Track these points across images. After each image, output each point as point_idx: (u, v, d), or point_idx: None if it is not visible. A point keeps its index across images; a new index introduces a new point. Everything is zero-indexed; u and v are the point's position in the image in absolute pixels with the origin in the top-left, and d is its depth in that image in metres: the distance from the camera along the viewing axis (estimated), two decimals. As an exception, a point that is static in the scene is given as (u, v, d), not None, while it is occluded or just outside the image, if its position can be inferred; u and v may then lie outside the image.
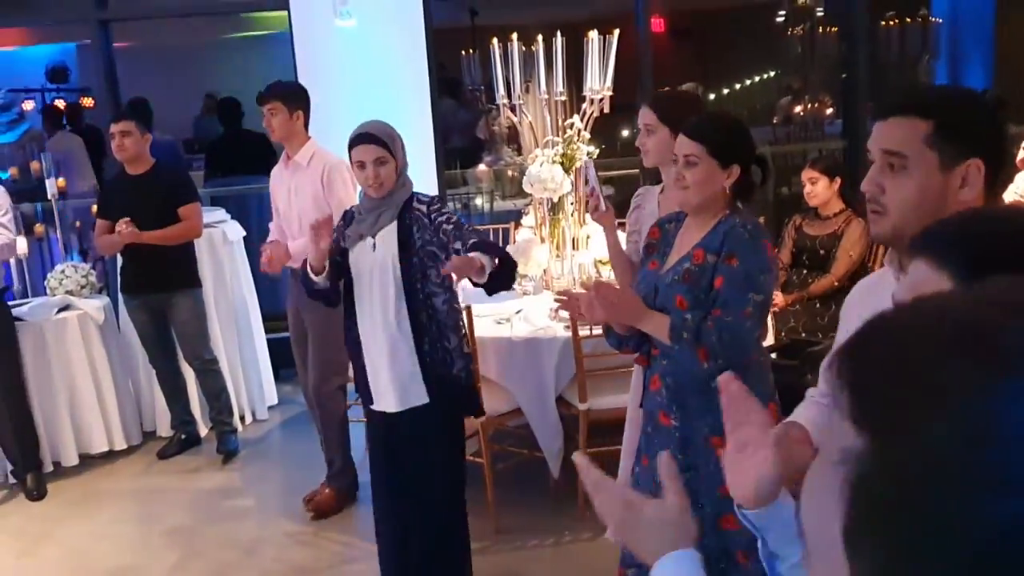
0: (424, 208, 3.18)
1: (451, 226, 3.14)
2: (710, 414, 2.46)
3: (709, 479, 2.46)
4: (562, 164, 4.38)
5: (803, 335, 4.61)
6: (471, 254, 2.96)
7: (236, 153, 7.69)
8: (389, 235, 3.17)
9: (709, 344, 2.38)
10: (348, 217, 3.34)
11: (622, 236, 3.38)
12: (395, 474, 3.35)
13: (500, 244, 3.17)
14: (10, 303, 5.07)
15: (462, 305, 3.43)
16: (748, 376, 2.43)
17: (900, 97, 1.71)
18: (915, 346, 0.49)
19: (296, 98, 4.29)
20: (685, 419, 2.56)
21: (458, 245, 3.07)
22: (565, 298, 2.81)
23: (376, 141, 3.14)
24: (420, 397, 3.21)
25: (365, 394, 3.34)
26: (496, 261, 2.99)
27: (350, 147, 3.18)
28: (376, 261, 3.17)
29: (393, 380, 3.22)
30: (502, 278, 3.05)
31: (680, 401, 2.56)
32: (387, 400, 3.26)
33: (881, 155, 1.60)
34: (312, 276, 3.22)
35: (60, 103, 9.76)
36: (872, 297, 1.73)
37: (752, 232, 2.41)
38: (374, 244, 3.18)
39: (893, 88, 9.63)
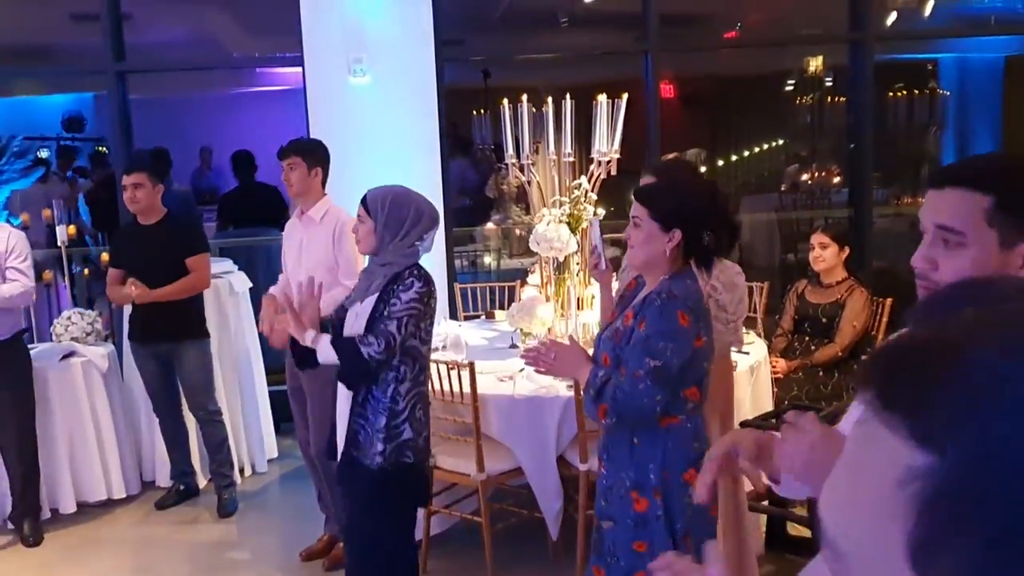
0: (401, 287, 3.06)
1: (389, 310, 3.04)
2: (632, 467, 2.57)
3: (626, 532, 2.57)
4: (569, 224, 4.40)
5: (806, 402, 4.60)
6: (319, 338, 3.07)
7: (249, 205, 7.78)
8: (367, 307, 3.11)
9: (607, 402, 2.50)
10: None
11: None
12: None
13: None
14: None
15: (465, 361, 3.42)
16: (668, 439, 2.56)
17: (957, 167, 1.60)
18: (967, 357, 0.50)
19: (316, 155, 4.34)
20: (611, 469, 2.66)
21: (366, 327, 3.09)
22: (533, 352, 2.82)
23: (363, 201, 3.15)
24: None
25: (331, 449, 3.30)
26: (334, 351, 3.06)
27: None
28: (355, 329, 3.12)
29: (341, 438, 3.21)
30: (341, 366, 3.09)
31: (609, 451, 2.67)
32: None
33: (935, 229, 1.49)
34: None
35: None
36: None
37: (664, 300, 2.48)
38: (356, 313, 3.15)
39: (900, 158, 9.72)
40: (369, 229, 3.12)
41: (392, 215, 3.12)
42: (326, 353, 3.07)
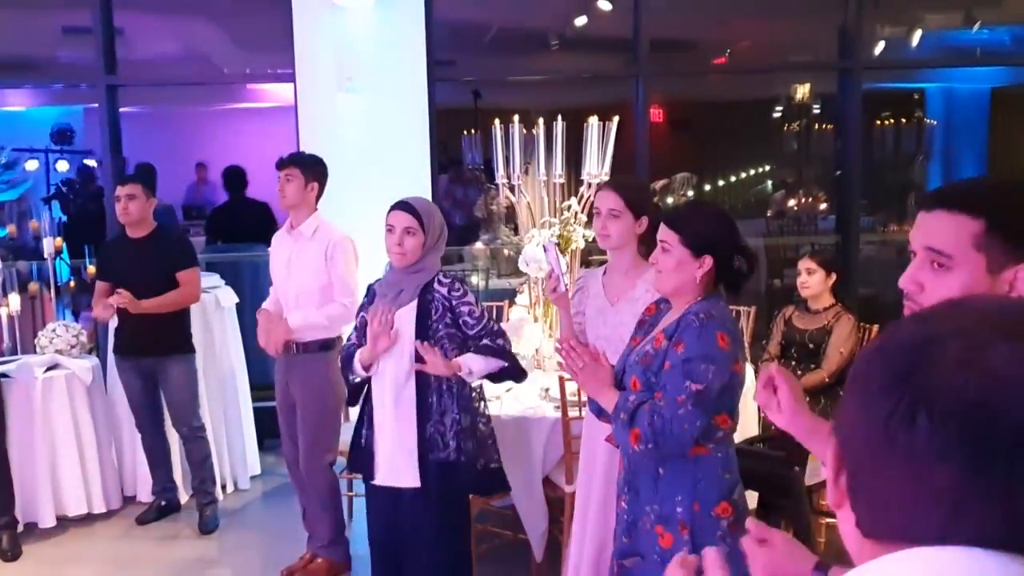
0: (445, 291, 3.20)
1: (473, 320, 3.20)
2: (657, 500, 2.48)
3: (654, 570, 2.46)
4: (558, 245, 4.41)
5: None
6: (462, 358, 3.13)
7: (238, 221, 7.78)
8: (408, 315, 3.19)
9: (641, 427, 2.39)
10: (371, 294, 3.38)
11: None
12: (393, 552, 3.35)
13: (503, 345, 3.26)
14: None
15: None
16: (697, 469, 2.45)
17: (948, 189, 1.58)
18: None
19: (315, 170, 4.33)
20: (634, 503, 2.56)
21: (479, 338, 3.20)
22: (568, 346, 2.63)
23: (411, 211, 3.19)
24: (413, 480, 3.24)
25: (368, 469, 3.34)
26: (500, 364, 3.18)
27: (388, 211, 3.26)
28: (392, 339, 3.18)
29: (391, 457, 3.26)
30: (502, 376, 3.24)
31: (632, 484, 2.57)
32: (386, 476, 3.31)
33: (924, 251, 1.49)
34: (359, 369, 3.28)
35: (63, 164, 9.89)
36: None
37: (703, 320, 2.40)
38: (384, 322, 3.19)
39: (887, 186, 9.80)
40: (419, 242, 3.19)
41: (439, 226, 3.26)
42: (483, 366, 3.17)
